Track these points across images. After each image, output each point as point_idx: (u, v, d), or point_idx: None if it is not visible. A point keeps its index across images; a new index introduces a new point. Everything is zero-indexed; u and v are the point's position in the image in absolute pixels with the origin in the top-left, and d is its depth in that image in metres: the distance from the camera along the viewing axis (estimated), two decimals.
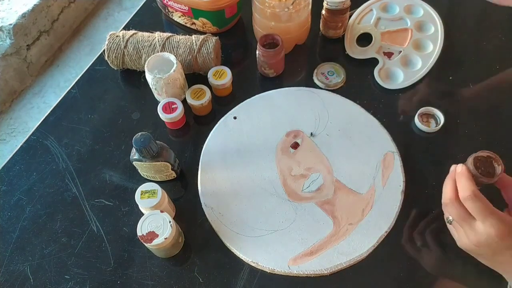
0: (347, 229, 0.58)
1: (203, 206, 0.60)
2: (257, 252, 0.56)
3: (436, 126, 0.66)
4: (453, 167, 0.52)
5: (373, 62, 0.73)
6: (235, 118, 0.69)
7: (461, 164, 0.51)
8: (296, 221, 0.59)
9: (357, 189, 0.61)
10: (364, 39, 0.76)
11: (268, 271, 0.55)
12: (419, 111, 0.67)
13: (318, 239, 0.57)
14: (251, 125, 0.68)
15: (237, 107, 0.70)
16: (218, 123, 0.69)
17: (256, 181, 0.62)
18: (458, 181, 0.49)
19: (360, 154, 0.64)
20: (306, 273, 0.55)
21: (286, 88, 0.72)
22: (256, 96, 0.71)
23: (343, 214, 0.59)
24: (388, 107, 0.69)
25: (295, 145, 0.65)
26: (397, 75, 0.72)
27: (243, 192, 0.61)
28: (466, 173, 0.49)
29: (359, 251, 0.56)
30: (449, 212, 0.50)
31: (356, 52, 0.75)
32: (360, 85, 0.72)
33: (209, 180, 0.63)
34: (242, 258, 0.56)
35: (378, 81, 0.71)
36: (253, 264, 0.56)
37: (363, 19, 0.78)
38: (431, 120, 0.67)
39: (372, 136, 0.66)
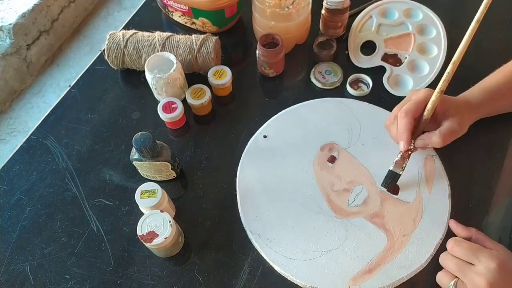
0: (401, 241, 0.56)
1: (248, 234, 0.58)
2: (314, 275, 0.54)
3: None
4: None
5: (382, 68, 0.73)
6: (265, 137, 0.67)
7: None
8: (348, 238, 0.57)
9: (404, 198, 0.59)
10: (368, 45, 0.76)
11: None
12: None
13: (374, 255, 0.55)
14: (283, 143, 0.65)
15: (265, 125, 0.68)
16: (249, 144, 0.66)
17: (299, 201, 0.60)
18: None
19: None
20: None
21: (312, 100, 0.70)
22: (282, 111, 0.69)
23: (395, 226, 0.57)
24: None
25: (332, 159, 0.63)
26: (406, 82, 0.71)
27: (288, 214, 0.59)
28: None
29: (418, 262, 0.54)
30: (448, 266, 0.51)
31: (361, 61, 0.74)
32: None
33: (250, 206, 0.60)
34: (299, 284, 0.54)
35: (388, 89, 0.70)
36: None
37: (363, 27, 0.78)
38: None
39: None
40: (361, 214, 0.58)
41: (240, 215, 0.60)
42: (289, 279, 0.55)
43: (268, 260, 0.56)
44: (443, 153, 0.63)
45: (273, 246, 0.57)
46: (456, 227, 0.54)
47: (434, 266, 0.55)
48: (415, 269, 0.54)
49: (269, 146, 0.66)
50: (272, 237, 0.57)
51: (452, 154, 0.64)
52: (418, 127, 0.57)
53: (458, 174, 0.62)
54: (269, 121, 0.68)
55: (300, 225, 0.58)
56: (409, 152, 0.57)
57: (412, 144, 0.56)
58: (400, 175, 0.58)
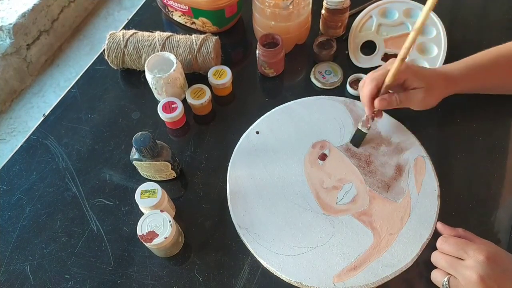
0: (388, 239, 0.56)
1: (236, 228, 0.58)
2: (299, 271, 0.54)
3: None
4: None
5: None
6: (257, 133, 0.67)
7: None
8: (334, 235, 0.57)
9: (392, 198, 0.60)
10: (368, 45, 0.76)
11: None
12: None
13: (360, 252, 0.56)
14: (275, 139, 0.66)
15: (258, 121, 0.68)
16: (241, 139, 0.67)
17: (288, 197, 0.60)
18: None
19: (391, 161, 0.63)
20: None
21: (306, 98, 0.70)
22: (276, 108, 0.69)
23: (382, 224, 0.58)
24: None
25: (323, 157, 0.63)
26: None
27: (277, 210, 0.59)
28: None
29: (404, 261, 0.55)
30: (440, 264, 0.52)
31: (362, 61, 0.74)
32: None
33: (239, 200, 0.60)
34: (284, 279, 0.55)
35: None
36: (296, 285, 0.54)
37: (364, 27, 0.78)
38: None
39: (400, 142, 0.64)
40: (349, 212, 0.59)
41: (229, 209, 0.60)
42: (274, 273, 0.55)
43: (255, 255, 0.56)
44: (434, 153, 0.63)
45: (260, 241, 0.57)
46: (443, 228, 0.55)
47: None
48: (400, 267, 0.54)
49: (261, 142, 0.66)
50: (259, 232, 0.58)
51: (443, 155, 0.64)
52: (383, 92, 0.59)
53: (449, 175, 0.62)
54: (262, 117, 0.69)
55: (288, 221, 0.59)
56: (373, 114, 0.61)
57: (375, 109, 0.60)
58: (366, 133, 0.63)
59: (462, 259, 0.49)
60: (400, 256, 0.55)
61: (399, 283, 0.54)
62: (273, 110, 0.69)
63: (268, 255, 0.56)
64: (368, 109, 0.60)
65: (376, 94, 0.59)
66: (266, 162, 0.64)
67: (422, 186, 0.60)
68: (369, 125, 0.62)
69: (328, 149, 0.65)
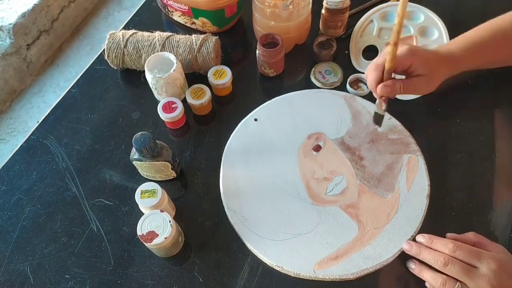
0: (372, 233, 0.57)
1: (225, 209, 0.59)
2: (282, 256, 0.56)
3: None
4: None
5: None
6: (256, 120, 0.68)
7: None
8: (320, 224, 0.58)
9: (381, 193, 0.60)
10: (370, 48, 0.76)
11: (293, 275, 0.55)
12: None
13: (343, 243, 0.56)
14: (272, 127, 0.67)
15: (257, 109, 0.69)
16: (239, 125, 0.68)
17: (279, 184, 0.61)
18: (436, 243, 0.52)
19: (384, 157, 0.63)
20: (331, 277, 0.54)
21: (306, 90, 0.71)
22: (276, 98, 0.70)
23: (368, 218, 0.58)
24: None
25: (317, 148, 0.64)
26: None
27: (266, 195, 0.61)
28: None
29: (385, 256, 0.55)
30: (451, 272, 0.49)
31: (363, 66, 0.74)
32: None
33: (231, 183, 0.62)
34: (266, 262, 0.56)
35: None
36: (278, 268, 0.55)
37: (365, 31, 0.78)
38: None
39: (395, 139, 0.65)
40: (337, 203, 0.60)
41: (220, 190, 0.61)
42: (258, 256, 0.56)
43: (240, 237, 0.57)
44: (434, 153, 0.64)
45: (247, 224, 0.58)
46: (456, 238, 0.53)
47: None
48: (381, 261, 0.55)
49: (258, 129, 0.67)
50: (247, 215, 0.59)
51: (443, 155, 0.64)
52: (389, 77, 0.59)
53: (449, 175, 0.62)
54: (262, 105, 0.70)
55: (276, 207, 0.60)
56: (383, 98, 0.60)
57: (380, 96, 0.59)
58: (383, 115, 0.62)
59: (475, 267, 0.48)
60: (383, 250, 0.56)
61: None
62: (272, 100, 0.70)
63: (253, 238, 0.57)
64: (376, 95, 0.60)
65: (381, 80, 0.58)
66: (261, 148, 0.65)
67: (412, 184, 0.61)
68: (383, 108, 0.60)
69: (323, 141, 0.65)
